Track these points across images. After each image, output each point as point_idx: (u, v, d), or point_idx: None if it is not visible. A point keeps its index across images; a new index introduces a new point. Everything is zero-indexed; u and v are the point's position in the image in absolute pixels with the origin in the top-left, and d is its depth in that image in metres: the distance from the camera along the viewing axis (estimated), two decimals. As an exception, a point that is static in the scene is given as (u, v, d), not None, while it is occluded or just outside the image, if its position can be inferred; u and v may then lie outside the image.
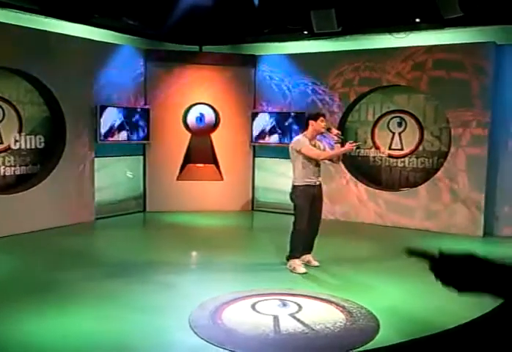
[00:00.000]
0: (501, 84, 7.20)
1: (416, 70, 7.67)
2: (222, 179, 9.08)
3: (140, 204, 8.82)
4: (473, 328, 0.78)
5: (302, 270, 5.37)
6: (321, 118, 5.50)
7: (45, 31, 7.06)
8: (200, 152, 9.04)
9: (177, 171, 8.93)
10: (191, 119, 8.91)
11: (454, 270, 1.02)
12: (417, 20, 7.16)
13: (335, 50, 8.21)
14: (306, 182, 5.41)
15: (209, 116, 8.98)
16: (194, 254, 6.57)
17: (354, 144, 5.42)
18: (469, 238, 7.10)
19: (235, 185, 9.10)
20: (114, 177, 8.37)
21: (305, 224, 5.40)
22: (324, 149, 5.58)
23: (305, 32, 7.98)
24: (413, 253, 1.05)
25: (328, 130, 5.53)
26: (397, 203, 7.94)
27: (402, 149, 8.22)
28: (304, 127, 5.38)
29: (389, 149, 8.32)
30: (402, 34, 7.54)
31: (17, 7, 6.86)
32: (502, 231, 7.34)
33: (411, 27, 7.34)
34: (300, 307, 4.36)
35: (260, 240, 7.15)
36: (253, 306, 4.36)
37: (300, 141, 5.49)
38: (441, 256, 1.05)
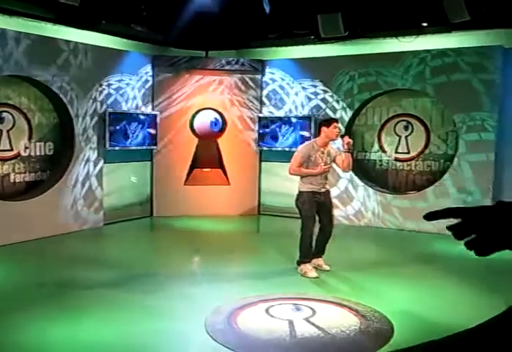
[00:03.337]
0: (508, 88, 7.23)
1: (422, 74, 7.71)
2: (229, 183, 9.10)
3: (147, 209, 8.86)
4: (485, 329, 0.78)
5: (313, 274, 5.37)
6: (334, 124, 5.40)
7: (54, 38, 7.11)
8: (207, 156, 9.07)
9: (185, 176, 8.96)
10: (199, 123, 8.95)
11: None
12: (424, 24, 7.20)
13: (342, 54, 8.24)
14: (310, 189, 5.36)
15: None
16: (204, 259, 6.58)
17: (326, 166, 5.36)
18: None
19: (241, 190, 9.13)
20: (122, 182, 8.41)
21: (311, 229, 5.38)
22: (335, 157, 5.54)
23: (312, 37, 8.02)
24: (431, 216, 0.85)
25: (342, 137, 5.46)
26: (405, 206, 7.96)
27: (408, 152, 8.25)
28: (309, 130, 5.31)
29: (396, 152, 8.35)
30: (409, 38, 7.57)
31: (26, 15, 6.92)
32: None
33: (418, 31, 7.37)
34: (314, 311, 4.38)
35: (269, 244, 7.17)
36: (267, 311, 4.38)
37: (303, 147, 5.45)
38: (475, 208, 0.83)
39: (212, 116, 8.95)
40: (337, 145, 5.90)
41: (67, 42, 7.26)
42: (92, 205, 7.80)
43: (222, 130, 9.05)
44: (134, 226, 8.26)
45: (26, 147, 7.17)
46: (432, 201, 7.74)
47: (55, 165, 7.50)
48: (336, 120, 5.61)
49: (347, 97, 8.31)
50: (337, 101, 8.39)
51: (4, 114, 6.89)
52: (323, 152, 5.42)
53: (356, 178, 8.29)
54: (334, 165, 5.74)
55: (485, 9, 6.43)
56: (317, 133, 5.60)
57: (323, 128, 5.43)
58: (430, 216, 0.86)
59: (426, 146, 8.09)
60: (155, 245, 7.42)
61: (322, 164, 5.36)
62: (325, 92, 8.46)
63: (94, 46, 7.63)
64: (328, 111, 8.40)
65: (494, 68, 7.19)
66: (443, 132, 7.96)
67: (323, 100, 8.50)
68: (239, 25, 8.41)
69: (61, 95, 7.22)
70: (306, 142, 5.66)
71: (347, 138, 5.41)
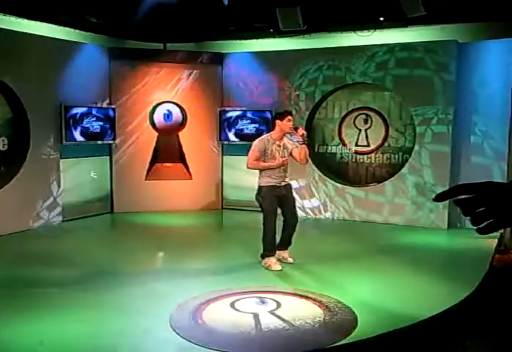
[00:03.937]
0: (463, 82, 7.43)
1: (380, 68, 7.82)
2: (191, 178, 9.03)
3: (108, 205, 8.69)
4: (445, 317, 0.80)
5: (277, 267, 5.40)
6: (288, 117, 5.38)
7: (6, 29, 6.84)
8: (168, 151, 8.96)
9: (145, 171, 8.83)
10: (158, 117, 8.82)
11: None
12: (381, 18, 7.30)
13: (301, 48, 8.27)
14: (270, 183, 5.35)
15: (176, 114, 8.92)
16: (167, 255, 6.51)
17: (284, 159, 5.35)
18: (434, 231, 7.36)
19: (203, 184, 9.08)
20: (80, 178, 8.21)
21: (273, 223, 5.38)
22: (292, 149, 5.53)
23: (271, 30, 8.02)
24: (442, 197, 0.88)
25: (296, 129, 5.47)
26: (365, 198, 8.10)
27: (368, 145, 8.38)
28: (270, 125, 5.31)
29: (356, 145, 8.46)
30: (366, 33, 7.67)
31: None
32: (464, 223, 7.56)
33: (376, 25, 7.48)
34: (279, 304, 4.40)
35: (232, 238, 7.17)
36: (232, 305, 4.38)
37: (258, 141, 5.43)
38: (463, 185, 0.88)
39: (165, 109, 8.81)
40: (297, 139, 5.91)
41: (20, 33, 7.00)
42: (50, 201, 7.59)
43: (183, 124, 8.95)
44: (94, 223, 8.09)
45: (-22, 143, 6.91)
46: (390, 193, 7.90)
47: (10, 161, 7.25)
48: (290, 113, 5.56)
49: (306, 90, 8.35)
50: (297, 94, 8.42)
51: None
52: (279, 146, 5.42)
53: (317, 171, 8.36)
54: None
55: (440, 4, 6.58)
56: (272, 127, 5.60)
57: (277, 121, 5.42)
58: (440, 197, 0.85)
59: (385, 139, 8.24)
60: (116, 241, 7.29)
61: (279, 157, 5.37)
62: (284, 85, 8.46)
63: (49, 38, 7.39)
64: (287, 104, 8.41)
65: (449, 62, 7.35)
66: (401, 125, 8.12)
67: (283, 93, 8.51)
68: (198, 17, 8.30)
69: (14, 89, 6.97)
70: (262, 136, 5.64)
71: (301, 130, 5.44)
